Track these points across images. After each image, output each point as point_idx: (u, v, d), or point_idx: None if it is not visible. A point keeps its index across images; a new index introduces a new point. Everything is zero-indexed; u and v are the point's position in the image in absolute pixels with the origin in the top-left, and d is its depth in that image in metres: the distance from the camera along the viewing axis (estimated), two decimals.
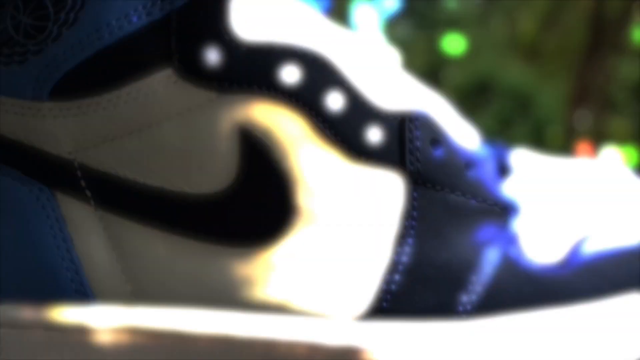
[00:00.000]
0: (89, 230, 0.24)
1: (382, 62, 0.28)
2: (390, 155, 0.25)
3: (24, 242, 0.24)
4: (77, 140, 0.24)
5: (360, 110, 0.24)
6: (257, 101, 0.24)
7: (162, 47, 0.23)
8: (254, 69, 0.24)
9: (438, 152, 0.25)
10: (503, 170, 0.27)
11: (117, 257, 0.24)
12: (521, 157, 0.40)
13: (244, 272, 0.24)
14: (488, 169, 0.26)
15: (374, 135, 0.25)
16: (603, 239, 0.26)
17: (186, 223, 0.24)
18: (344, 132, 0.24)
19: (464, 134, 0.27)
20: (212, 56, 0.23)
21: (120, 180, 0.24)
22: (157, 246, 0.24)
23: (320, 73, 0.24)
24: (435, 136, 0.25)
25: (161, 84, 0.23)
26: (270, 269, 0.24)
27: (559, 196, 0.28)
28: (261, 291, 0.24)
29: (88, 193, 0.24)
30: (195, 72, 0.23)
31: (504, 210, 0.26)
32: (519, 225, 0.26)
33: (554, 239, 0.26)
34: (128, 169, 0.24)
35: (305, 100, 0.24)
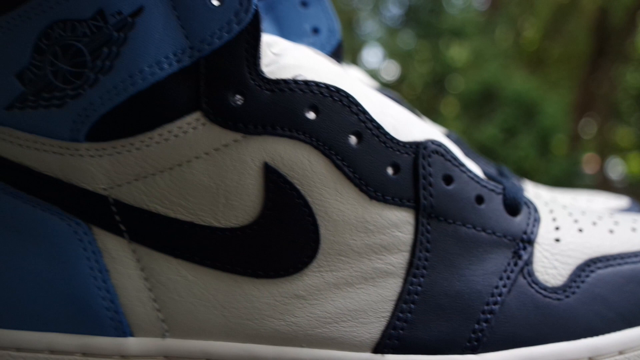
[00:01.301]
0: (123, 262, 0.26)
1: (392, 101, 0.29)
2: (405, 190, 0.26)
3: (63, 273, 0.26)
4: (112, 177, 0.25)
5: (377, 149, 0.26)
6: (281, 141, 0.25)
7: (191, 92, 0.25)
8: (277, 111, 0.25)
9: (450, 187, 0.27)
10: (511, 203, 0.28)
11: (149, 286, 0.26)
12: (530, 190, 0.41)
13: (269, 301, 0.26)
14: (497, 202, 0.28)
15: (390, 171, 0.26)
16: (605, 265, 0.28)
17: (214, 255, 0.26)
18: (361, 169, 0.26)
19: (473, 169, 0.28)
20: (238, 100, 0.25)
21: (152, 215, 0.26)
22: (187, 276, 0.26)
23: (340, 114, 0.26)
24: (447, 172, 0.27)
25: (190, 126, 0.25)
26: (293, 298, 0.26)
27: (564, 225, 0.29)
28: (285, 319, 0.26)
29: (122, 227, 0.26)
30: (222, 114, 0.25)
31: (513, 242, 0.27)
32: (527, 255, 0.27)
33: (558, 266, 0.27)
34: (159, 204, 0.25)
35: (325, 139, 0.25)
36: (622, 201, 0.45)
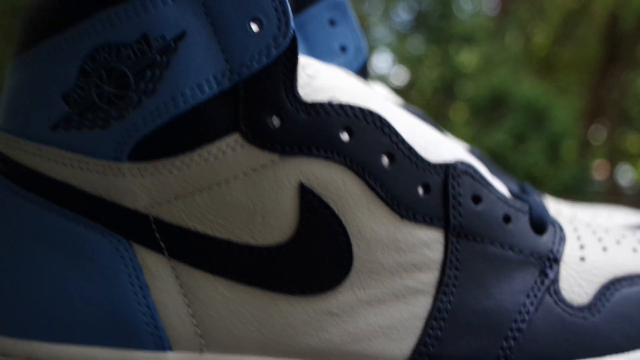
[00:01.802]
0: (163, 279, 0.27)
1: (420, 121, 0.30)
2: (435, 209, 0.27)
3: (104, 288, 0.27)
4: (153, 196, 0.26)
5: (408, 170, 0.27)
6: (316, 162, 0.26)
7: (230, 114, 0.26)
8: (312, 132, 0.26)
9: (478, 207, 0.28)
10: (537, 222, 0.29)
11: (188, 302, 0.27)
12: (552, 206, 0.42)
13: (303, 318, 0.27)
14: (524, 222, 0.29)
15: (420, 191, 0.27)
16: (630, 284, 0.28)
17: (251, 272, 0.26)
18: (393, 189, 0.27)
19: (499, 189, 0.29)
20: (275, 122, 0.26)
21: (191, 233, 0.26)
22: (224, 293, 0.27)
23: (373, 136, 0.27)
24: (476, 192, 0.28)
25: (229, 147, 0.26)
26: (327, 315, 0.26)
27: (588, 244, 0.30)
28: (318, 336, 0.27)
29: (162, 244, 0.27)
30: (260, 136, 0.26)
31: (540, 260, 0.28)
32: (553, 273, 0.28)
33: (584, 284, 0.28)
34: (198, 222, 0.26)
35: (359, 160, 0.26)
36: None
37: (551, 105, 5.00)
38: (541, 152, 4.88)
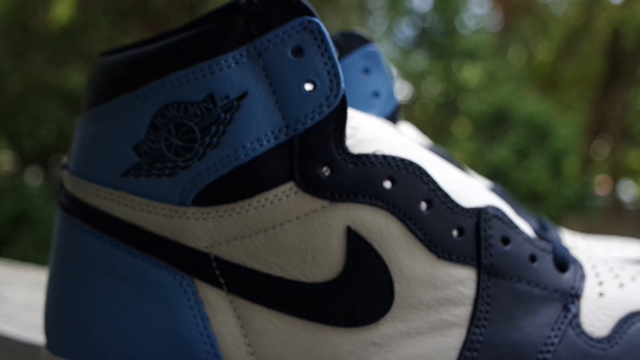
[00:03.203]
0: (222, 311, 0.30)
1: (451, 166, 0.33)
2: (469, 250, 0.30)
3: (168, 320, 0.30)
4: (214, 237, 0.29)
5: (444, 214, 0.30)
6: (362, 207, 0.29)
7: (286, 165, 0.28)
8: (359, 181, 0.29)
9: (507, 248, 0.31)
10: (560, 261, 0.32)
11: (244, 333, 0.30)
12: (567, 239, 0.45)
13: (348, 348, 0.29)
14: (548, 261, 0.31)
15: (455, 234, 0.30)
16: None
17: (302, 306, 0.29)
18: (431, 232, 0.29)
19: (525, 230, 0.32)
20: (326, 172, 0.29)
21: (248, 270, 0.29)
22: (277, 325, 0.29)
23: (413, 184, 0.29)
24: (505, 234, 0.31)
25: (284, 194, 0.29)
26: (371, 345, 0.29)
27: (606, 280, 0.33)
28: None
29: (221, 280, 0.29)
30: (312, 185, 0.28)
31: (563, 296, 0.31)
32: (575, 308, 0.31)
33: (603, 318, 0.31)
34: (255, 261, 0.29)
35: (400, 206, 0.29)
36: None
37: (554, 121, 5.03)
38: (543, 167, 4.91)
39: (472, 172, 0.46)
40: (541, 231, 0.36)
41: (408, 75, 6.27)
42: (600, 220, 5.33)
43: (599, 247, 0.46)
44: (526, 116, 4.89)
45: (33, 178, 4.59)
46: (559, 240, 0.34)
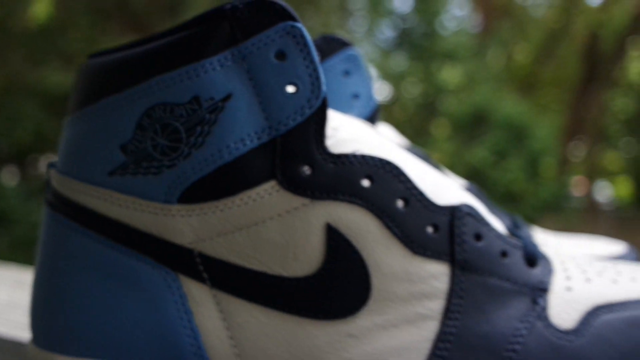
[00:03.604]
0: (205, 305, 0.31)
1: (427, 165, 0.34)
2: (443, 246, 0.31)
3: (153, 314, 0.31)
4: (198, 234, 0.30)
5: (420, 212, 0.31)
6: (341, 205, 0.30)
7: (268, 164, 0.30)
8: (338, 180, 0.30)
9: (480, 244, 0.32)
10: (530, 257, 0.33)
11: (227, 326, 0.31)
12: (539, 236, 0.46)
13: (327, 339, 0.31)
14: (518, 256, 0.33)
15: (430, 230, 0.31)
16: (609, 311, 0.33)
17: (282, 300, 0.30)
18: (407, 229, 0.31)
19: (497, 227, 0.33)
20: (307, 171, 0.30)
21: (231, 265, 0.30)
22: (258, 318, 0.31)
23: (390, 183, 0.31)
24: (477, 231, 0.32)
25: (267, 192, 0.30)
26: (348, 337, 0.31)
27: (574, 275, 0.34)
28: (340, 355, 0.31)
29: (205, 275, 0.31)
30: (293, 183, 0.30)
31: (532, 290, 0.32)
32: (543, 302, 0.32)
33: (570, 311, 0.32)
34: (237, 257, 0.30)
35: (378, 204, 0.30)
36: (620, 246, 0.50)
37: (531, 122, 5.08)
38: (521, 168, 4.95)
39: (448, 172, 0.48)
40: (513, 229, 0.38)
41: (388, 75, 6.30)
42: (576, 220, 5.39)
43: (568, 245, 0.48)
44: (504, 117, 4.93)
45: (9, 178, 4.56)
46: (530, 238, 0.36)
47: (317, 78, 0.30)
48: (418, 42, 6.31)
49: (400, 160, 0.32)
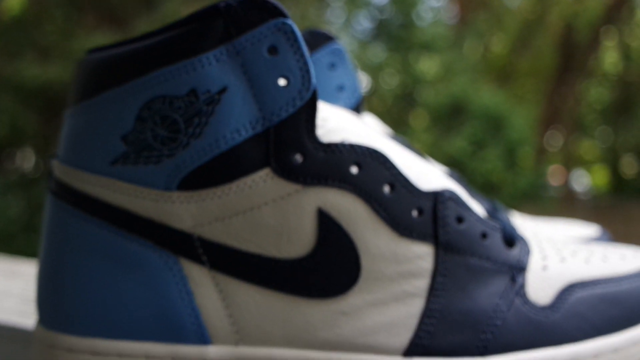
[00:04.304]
0: (205, 286, 0.32)
1: (411, 152, 0.36)
2: (427, 229, 0.33)
3: (156, 295, 0.32)
4: (197, 219, 0.32)
5: (405, 197, 0.33)
6: (331, 190, 0.32)
7: (262, 153, 0.31)
8: (328, 167, 0.32)
9: (461, 226, 0.34)
10: (508, 238, 0.35)
11: (225, 305, 0.33)
12: (517, 221, 0.48)
13: (320, 317, 0.32)
14: (497, 238, 0.35)
15: (415, 214, 0.33)
16: (582, 288, 0.35)
17: (277, 280, 0.32)
18: (393, 213, 0.33)
19: (477, 211, 0.36)
20: (299, 159, 0.32)
21: (228, 248, 0.32)
22: (255, 297, 0.32)
23: (377, 169, 0.33)
24: (459, 214, 0.34)
25: (261, 179, 0.31)
26: (340, 315, 0.32)
27: (549, 255, 0.36)
28: (332, 331, 0.33)
29: (204, 258, 0.32)
30: (286, 171, 0.32)
31: (510, 269, 0.34)
32: (521, 280, 0.34)
33: (546, 289, 0.35)
34: (234, 240, 0.32)
35: (366, 189, 0.32)
36: (594, 229, 0.52)
37: (508, 113, 5.13)
38: (499, 158, 5.00)
39: (431, 160, 0.50)
40: (493, 212, 0.40)
41: (366, 67, 6.31)
42: (553, 209, 5.46)
43: (545, 228, 0.50)
44: (482, 108, 4.98)
45: None
46: (508, 220, 0.38)
47: (307, 71, 0.32)
48: (395, 33, 6.33)
49: (386, 149, 0.34)
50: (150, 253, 0.32)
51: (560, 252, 0.37)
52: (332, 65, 0.44)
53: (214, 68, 0.31)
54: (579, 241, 0.48)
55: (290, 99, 0.31)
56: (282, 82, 0.31)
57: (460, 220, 0.34)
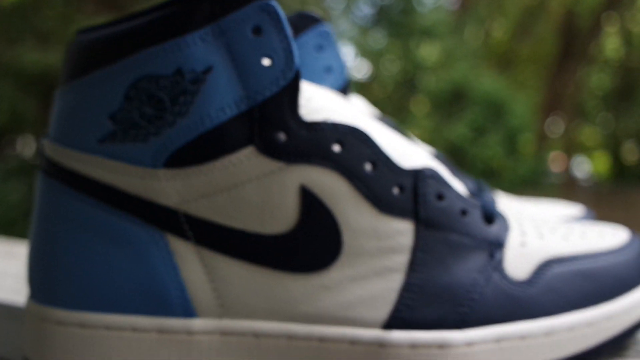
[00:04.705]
0: (190, 261, 0.33)
1: (393, 132, 0.37)
2: (407, 205, 0.34)
3: (142, 269, 0.33)
4: (182, 195, 0.33)
5: (386, 174, 0.34)
6: (314, 168, 0.33)
7: (246, 131, 0.32)
8: (311, 145, 0.33)
9: (441, 203, 0.35)
10: (487, 215, 0.36)
11: (210, 279, 0.33)
12: (503, 201, 0.49)
13: (302, 291, 0.33)
14: (477, 215, 0.36)
15: (396, 191, 0.34)
16: (559, 264, 0.36)
17: (260, 255, 0.33)
18: (374, 190, 0.34)
19: (458, 188, 0.36)
20: (282, 137, 0.32)
21: (213, 224, 0.33)
22: (239, 272, 0.33)
23: (359, 147, 0.33)
24: (439, 191, 0.35)
25: (245, 157, 0.32)
26: (322, 289, 0.33)
27: (528, 232, 0.37)
28: (314, 305, 0.34)
29: (189, 234, 0.33)
30: (269, 149, 0.32)
31: (489, 245, 0.35)
32: (499, 255, 0.35)
33: (524, 264, 0.36)
34: (219, 216, 0.33)
35: (348, 167, 0.33)
36: (578, 209, 0.53)
37: (509, 99, 5.13)
38: (499, 144, 5.01)
39: (418, 141, 0.51)
40: (477, 192, 0.41)
41: (367, 53, 6.30)
42: (554, 195, 5.46)
43: (530, 208, 0.51)
44: (482, 94, 4.97)
45: None
46: (491, 199, 0.39)
47: (291, 52, 0.32)
48: (396, 19, 6.32)
49: (368, 127, 0.35)
50: (137, 229, 0.33)
51: (539, 229, 0.37)
52: (320, 47, 0.44)
53: (200, 48, 0.32)
54: (563, 221, 0.49)
55: (274, 79, 0.32)
56: (266, 62, 0.32)
57: (440, 197, 0.35)
